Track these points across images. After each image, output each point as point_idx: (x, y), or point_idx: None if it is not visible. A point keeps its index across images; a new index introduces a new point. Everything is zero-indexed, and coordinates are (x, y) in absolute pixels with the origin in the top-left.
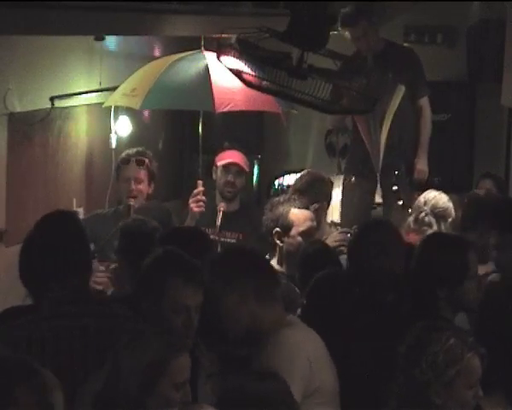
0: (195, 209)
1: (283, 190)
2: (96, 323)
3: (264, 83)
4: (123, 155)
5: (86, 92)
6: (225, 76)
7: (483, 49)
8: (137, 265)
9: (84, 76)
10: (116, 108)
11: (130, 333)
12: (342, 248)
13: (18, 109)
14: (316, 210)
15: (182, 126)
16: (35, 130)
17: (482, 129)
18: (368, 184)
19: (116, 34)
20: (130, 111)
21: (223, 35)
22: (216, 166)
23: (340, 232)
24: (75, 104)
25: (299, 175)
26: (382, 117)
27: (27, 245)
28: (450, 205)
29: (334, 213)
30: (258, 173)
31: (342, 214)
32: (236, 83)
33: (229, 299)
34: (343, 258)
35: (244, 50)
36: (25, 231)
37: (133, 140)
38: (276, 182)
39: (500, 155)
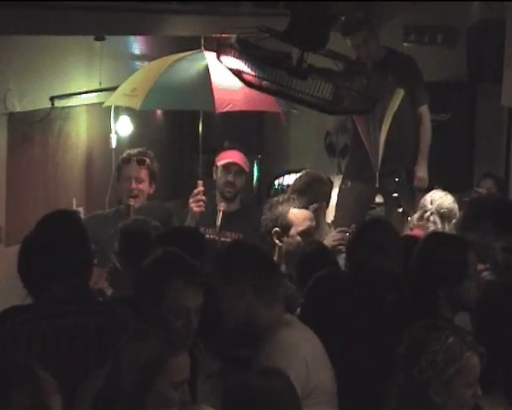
0: (195, 209)
1: (283, 190)
2: (96, 322)
3: (264, 83)
4: (124, 154)
5: (86, 92)
6: (225, 76)
7: (483, 49)
8: (138, 266)
9: (84, 76)
10: (116, 107)
11: (130, 332)
12: (341, 247)
13: (18, 109)
14: (315, 210)
15: (182, 126)
16: (35, 130)
17: (482, 129)
18: (367, 188)
19: (116, 34)
20: (130, 111)
21: (223, 35)
22: (216, 166)
23: (339, 231)
24: (75, 104)
25: (298, 175)
26: (382, 117)
27: (27, 245)
28: (456, 206)
29: (333, 213)
30: (259, 173)
31: (336, 219)
32: (236, 83)
33: (229, 293)
34: (342, 257)
35: (244, 50)
36: (25, 231)
37: (133, 140)
38: (276, 182)
39: (500, 155)
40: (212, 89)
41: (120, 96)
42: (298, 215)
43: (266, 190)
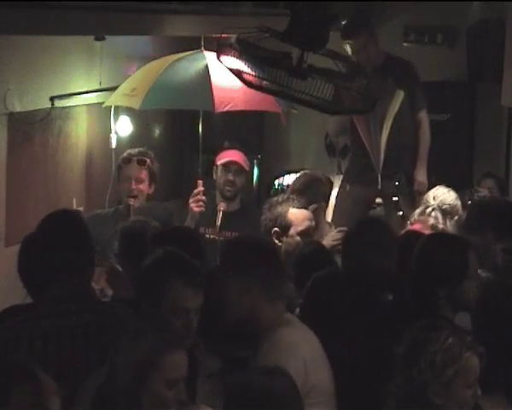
0: (195, 209)
1: (283, 190)
2: (97, 320)
3: (264, 83)
4: (124, 154)
5: (86, 92)
6: (225, 76)
7: (483, 49)
8: (137, 266)
9: (84, 76)
10: (116, 107)
11: (130, 331)
12: (340, 247)
13: (18, 109)
14: (314, 211)
15: (182, 126)
16: (35, 130)
17: (482, 129)
18: (366, 191)
19: (116, 34)
20: (130, 111)
21: (223, 35)
22: (216, 166)
23: (338, 231)
24: (75, 104)
25: (296, 176)
26: (382, 119)
27: (27, 245)
28: (458, 203)
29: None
30: (259, 173)
31: (333, 221)
32: (236, 83)
33: (235, 286)
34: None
35: (244, 50)
36: (25, 231)
37: (133, 140)
38: (276, 182)
39: (500, 155)
40: (211, 88)
41: (120, 96)
42: (297, 215)
43: (266, 190)
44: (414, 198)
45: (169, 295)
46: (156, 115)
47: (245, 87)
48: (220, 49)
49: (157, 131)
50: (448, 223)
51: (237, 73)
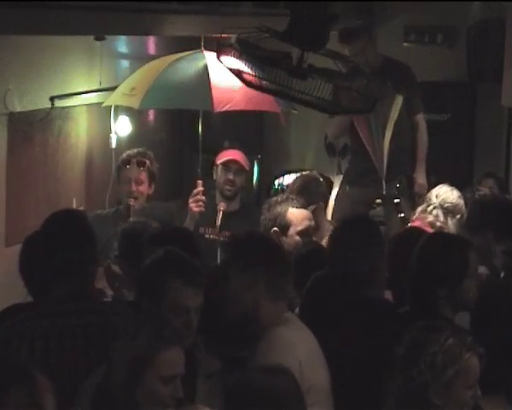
0: (195, 209)
1: (283, 189)
2: (98, 320)
3: (264, 83)
4: (124, 155)
5: (86, 92)
6: (224, 76)
7: (483, 49)
8: (137, 267)
9: (84, 76)
10: (116, 107)
11: (130, 330)
12: None
13: (18, 109)
14: (314, 211)
15: (181, 126)
16: (35, 130)
17: (482, 129)
18: (366, 193)
19: (116, 34)
20: (129, 111)
21: (223, 35)
22: (216, 166)
23: None
24: (75, 104)
25: (296, 176)
26: (384, 124)
27: (29, 244)
28: (461, 202)
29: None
30: (259, 173)
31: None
32: (235, 83)
33: (240, 282)
34: None
35: (244, 50)
36: (25, 231)
37: (133, 140)
38: (276, 182)
39: (500, 155)
40: (210, 88)
41: (119, 96)
42: (296, 215)
43: (266, 190)
44: (414, 200)
45: (169, 295)
46: (156, 115)
47: (244, 87)
48: (220, 49)
49: (157, 132)
50: (450, 221)
51: (237, 73)
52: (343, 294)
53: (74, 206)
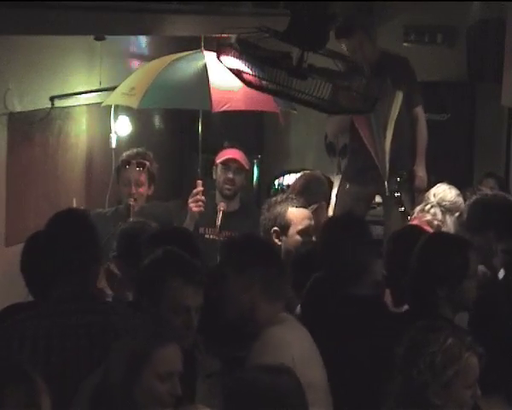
0: (194, 209)
1: (283, 189)
2: (100, 320)
3: (264, 83)
4: (123, 156)
5: (86, 92)
6: (224, 75)
7: (483, 49)
8: (136, 268)
9: (84, 76)
10: (116, 107)
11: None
12: None
13: (18, 109)
14: (315, 210)
15: (181, 126)
16: (35, 130)
17: (482, 129)
18: (366, 189)
19: (116, 34)
20: (129, 111)
21: (223, 35)
22: (216, 166)
23: None
24: (75, 104)
25: (296, 177)
26: (385, 124)
27: (31, 244)
28: (459, 200)
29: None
30: (259, 173)
31: None
32: (235, 83)
33: (237, 282)
34: None
35: (244, 50)
36: (25, 231)
37: (133, 140)
38: (276, 182)
39: (500, 155)
40: (209, 88)
41: (119, 96)
42: (297, 214)
43: (266, 189)
44: (414, 194)
45: (169, 294)
46: (156, 115)
47: (243, 87)
48: (220, 49)
49: (157, 132)
50: (448, 220)
51: (237, 73)
52: (333, 292)
53: (74, 206)
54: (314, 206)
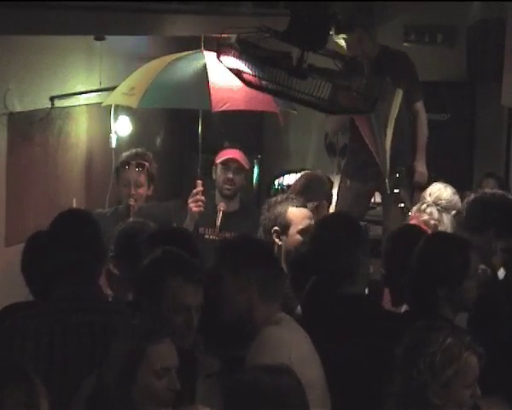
0: (194, 209)
1: (283, 189)
2: (102, 319)
3: (264, 83)
4: (123, 157)
5: (86, 92)
6: (223, 75)
7: (483, 49)
8: (135, 268)
9: (84, 76)
10: (116, 107)
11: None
12: None
13: (18, 109)
14: (315, 209)
15: (181, 126)
16: (35, 130)
17: (482, 129)
18: (365, 186)
19: (116, 34)
20: (129, 111)
21: (223, 35)
22: (215, 166)
23: None
24: (75, 104)
25: (297, 176)
26: (385, 122)
27: (32, 244)
28: (455, 198)
29: None
30: (259, 173)
31: None
32: (234, 82)
33: (233, 283)
34: None
35: (244, 50)
36: (25, 231)
37: (133, 140)
38: (276, 182)
39: (500, 154)
40: (209, 87)
41: (119, 95)
42: (297, 214)
43: (266, 189)
44: (414, 190)
45: (169, 293)
46: (156, 115)
47: (243, 87)
48: (220, 49)
49: (157, 131)
50: (445, 218)
51: (237, 73)
52: (329, 293)
53: (74, 206)
54: (314, 203)
